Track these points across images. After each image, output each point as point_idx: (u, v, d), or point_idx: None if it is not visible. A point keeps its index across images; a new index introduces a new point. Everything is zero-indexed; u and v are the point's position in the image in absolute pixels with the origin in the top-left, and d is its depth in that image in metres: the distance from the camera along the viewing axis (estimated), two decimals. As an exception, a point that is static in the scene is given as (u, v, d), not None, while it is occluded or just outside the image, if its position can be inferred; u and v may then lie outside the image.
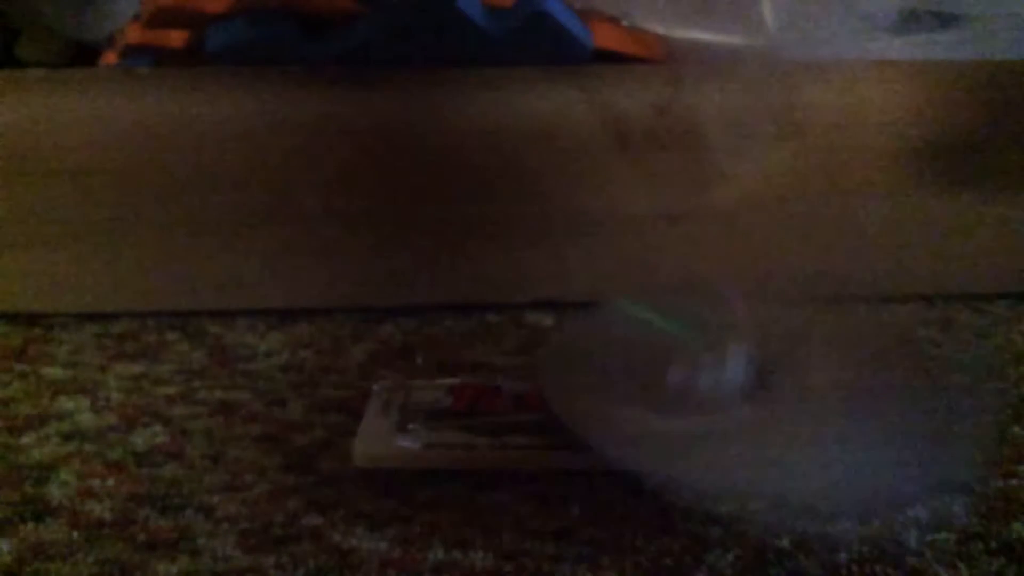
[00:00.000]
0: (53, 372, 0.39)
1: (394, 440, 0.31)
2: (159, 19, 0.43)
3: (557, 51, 0.42)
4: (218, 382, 0.38)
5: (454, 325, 0.44)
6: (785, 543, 0.27)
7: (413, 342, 0.42)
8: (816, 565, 0.26)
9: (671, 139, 0.42)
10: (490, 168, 0.43)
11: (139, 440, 0.33)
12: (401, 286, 0.45)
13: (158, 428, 0.34)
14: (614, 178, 0.43)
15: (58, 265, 0.43)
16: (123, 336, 0.43)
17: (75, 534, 0.28)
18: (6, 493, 0.30)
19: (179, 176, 0.43)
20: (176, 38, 0.44)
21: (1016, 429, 0.34)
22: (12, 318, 0.44)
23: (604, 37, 0.43)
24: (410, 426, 0.32)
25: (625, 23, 0.43)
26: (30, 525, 0.28)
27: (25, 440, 0.33)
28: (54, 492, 0.30)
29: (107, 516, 0.29)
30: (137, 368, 0.39)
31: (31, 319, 0.44)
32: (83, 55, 0.58)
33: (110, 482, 0.31)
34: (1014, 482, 0.31)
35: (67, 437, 0.33)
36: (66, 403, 0.36)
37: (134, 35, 0.44)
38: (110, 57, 0.48)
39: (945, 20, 0.47)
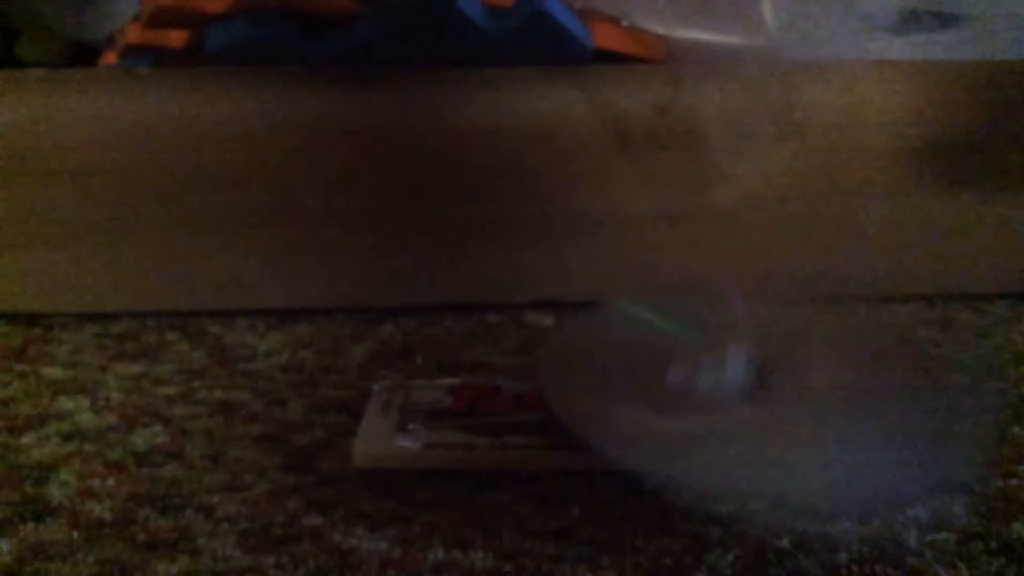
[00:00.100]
0: (53, 372, 0.39)
1: (394, 440, 0.31)
2: (159, 19, 0.43)
3: (557, 51, 0.42)
4: (218, 382, 0.38)
5: (454, 325, 0.44)
6: (785, 543, 0.27)
7: (413, 342, 0.42)
8: (816, 565, 0.26)
9: (671, 139, 0.42)
10: (490, 168, 0.43)
11: (139, 440, 0.33)
12: (401, 286, 0.45)
13: (158, 428, 0.34)
14: (614, 178, 0.43)
15: (58, 265, 0.43)
16: (123, 336, 0.43)
17: (75, 534, 0.28)
18: (6, 493, 0.30)
19: (179, 176, 0.43)
20: (176, 38, 0.44)
21: (1016, 429, 0.34)
22: (12, 318, 0.44)
23: (604, 37, 0.43)
24: (410, 426, 0.32)
25: (625, 23, 0.43)
26: (30, 525, 0.28)
27: (25, 440, 0.33)
28: (54, 492, 0.30)
29: (107, 516, 0.29)
30: (137, 368, 0.39)
31: (31, 319, 0.44)
32: (83, 55, 0.58)
33: (110, 482, 0.31)
34: (1014, 482, 0.31)
35: (67, 437, 0.33)
36: (66, 403, 0.36)
37: (134, 35, 0.44)
38: (110, 57, 0.48)
39: (945, 20, 0.47)
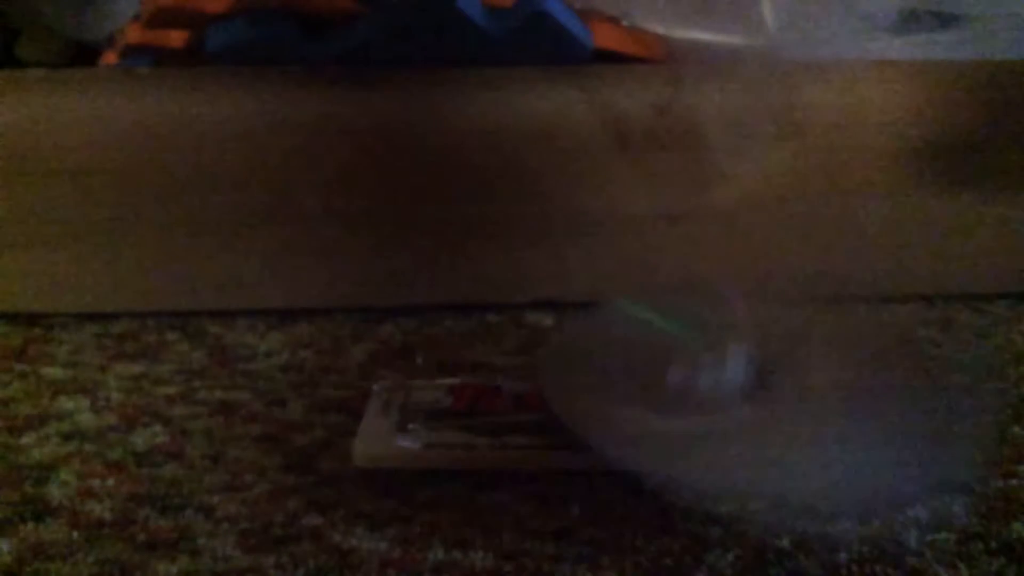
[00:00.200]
0: (53, 372, 0.39)
1: (394, 440, 0.31)
2: (159, 19, 0.43)
3: (557, 51, 0.42)
4: (218, 382, 0.38)
5: (454, 325, 0.44)
6: (785, 543, 0.27)
7: (413, 342, 0.42)
8: (816, 565, 0.26)
9: (671, 139, 0.42)
10: (490, 168, 0.43)
11: (139, 440, 0.33)
12: (401, 286, 0.45)
13: (158, 428, 0.34)
14: (614, 178, 0.43)
15: (58, 265, 0.43)
16: (123, 336, 0.43)
17: (75, 534, 0.28)
18: (6, 493, 0.30)
19: (179, 176, 0.43)
20: (176, 38, 0.44)
21: (1016, 429, 0.34)
22: (12, 318, 0.44)
23: (604, 37, 0.43)
24: (410, 426, 0.32)
25: (625, 23, 0.43)
26: (30, 525, 0.28)
27: (25, 440, 0.33)
28: (54, 492, 0.30)
29: (107, 516, 0.29)
30: (137, 368, 0.39)
31: (31, 319, 0.44)
32: (83, 55, 0.58)
33: (110, 482, 0.31)
34: (1014, 482, 0.31)
35: (67, 437, 0.33)
36: (66, 403, 0.36)
37: (134, 35, 0.44)
38: (110, 57, 0.48)
39: (945, 20, 0.47)
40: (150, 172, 0.42)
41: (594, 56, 0.43)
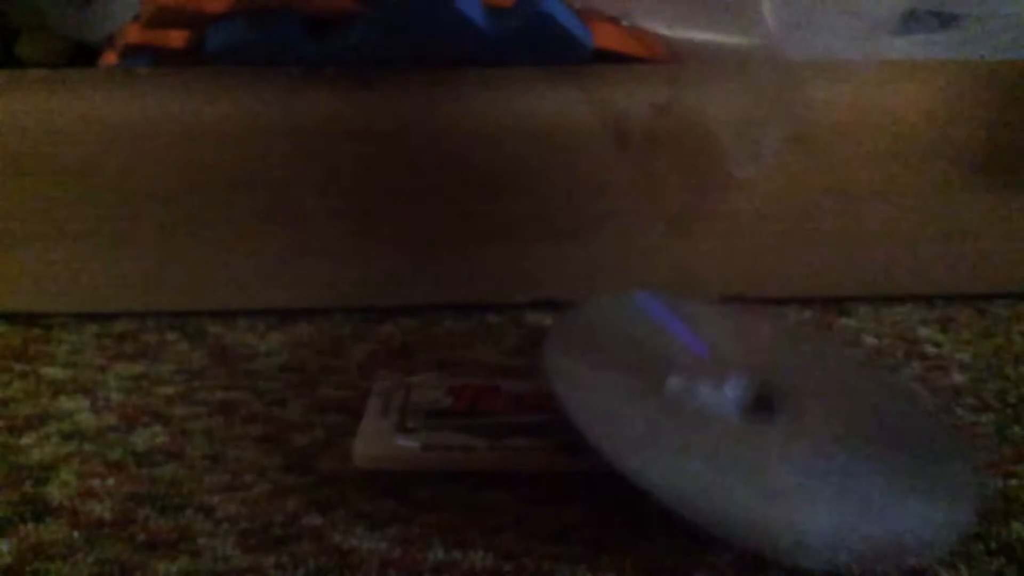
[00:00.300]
0: (53, 372, 0.39)
1: (394, 440, 0.31)
2: (159, 19, 0.43)
3: (557, 51, 0.42)
4: (218, 382, 0.38)
5: (454, 325, 0.44)
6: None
7: (413, 342, 0.42)
8: (816, 565, 0.26)
9: (671, 139, 0.42)
10: (490, 168, 0.43)
11: (139, 440, 0.33)
12: (401, 286, 0.45)
13: (158, 428, 0.34)
14: (614, 178, 0.43)
15: (58, 265, 0.43)
16: (123, 336, 0.43)
17: (75, 534, 0.28)
18: (6, 493, 0.30)
19: (179, 176, 0.42)
20: (176, 38, 0.44)
21: (1016, 429, 0.34)
22: (12, 318, 0.44)
23: (604, 37, 0.43)
24: (410, 426, 0.32)
25: (625, 23, 0.43)
26: (30, 525, 0.28)
27: (25, 440, 0.33)
28: (54, 492, 0.30)
29: (107, 516, 0.29)
30: (137, 368, 0.39)
31: (31, 319, 0.44)
32: (83, 55, 0.58)
33: (110, 482, 0.31)
34: (1014, 482, 0.31)
35: (67, 437, 0.33)
36: (66, 403, 0.36)
37: (134, 35, 0.44)
38: (110, 57, 0.48)
39: (945, 20, 0.47)
40: (150, 172, 0.42)
41: (594, 56, 0.43)
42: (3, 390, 0.37)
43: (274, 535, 0.28)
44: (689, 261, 0.44)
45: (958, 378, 0.39)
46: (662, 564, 0.26)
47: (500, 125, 0.43)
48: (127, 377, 0.38)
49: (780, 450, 0.29)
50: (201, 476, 0.31)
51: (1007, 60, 0.44)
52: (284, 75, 0.42)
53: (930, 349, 0.41)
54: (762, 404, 0.32)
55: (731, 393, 0.32)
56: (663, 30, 0.41)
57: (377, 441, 0.31)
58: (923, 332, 0.43)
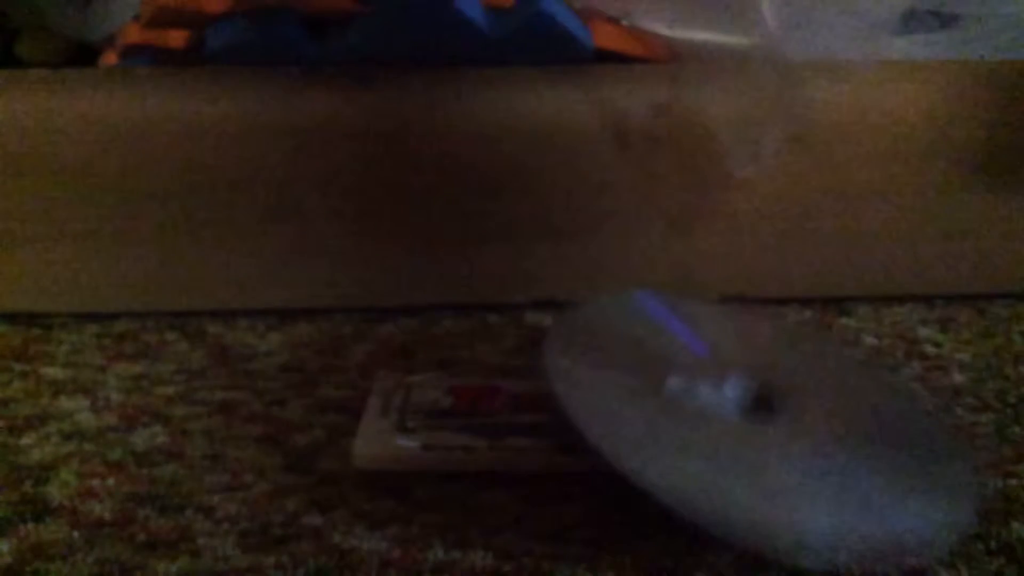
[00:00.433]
0: (53, 372, 0.39)
1: (394, 440, 0.31)
2: (159, 19, 0.43)
3: (557, 51, 0.42)
4: (218, 382, 0.38)
5: (454, 325, 0.44)
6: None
7: (413, 342, 0.42)
8: (816, 565, 0.26)
9: (671, 139, 0.42)
10: (490, 168, 0.43)
11: (139, 440, 0.33)
12: (401, 286, 0.45)
13: (158, 428, 0.34)
14: (614, 178, 0.43)
15: (58, 265, 0.43)
16: (123, 336, 0.43)
17: (75, 534, 0.28)
18: (6, 493, 0.30)
19: (179, 176, 0.42)
20: (176, 38, 0.44)
21: (1016, 429, 0.34)
22: (12, 318, 0.44)
23: (604, 37, 0.43)
24: (410, 426, 0.32)
25: (625, 23, 0.43)
26: (30, 525, 0.28)
27: (25, 440, 0.33)
28: (54, 492, 0.30)
29: (107, 516, 0.29)
30: (137, 368, 0.39)
31: (31, 319, 0.44)
32: (83, 55, 0.58)
33: (110, 482, 0.31)
34: (1014, 482, 0.31)
35: (67, 437, 0.33)
36: (66, 403, 0.36)
37: (134, 35, 0.44)
38: (110, 57, 0.48)
39: (945, 20, 0.47)
40: (150, 172, 0.42)
41: (594, 56, 0.43)
42: (3, 390, 0.37)
43: (274, 535, 0.28)
44: (689, 261, 0.44)
45: (958, 378, 0.39)
46: (662, 564, 0.26)
47: (500, 125, 0.43)
48: (127, 377, 0.38)
49: (780, 450, 0.29)
50: (201, 476, 0.31)
51: (1007, 60, 0.44)
52: (284, 75, 0.42)
53: (930, 349, 0.41)
54: (762, 404, 0.32)
55: (731, 393, 0.32)
56: (663, 30, 0.41)
57: (377, 441, 0.31)
58: (923, 332, 0.43)
